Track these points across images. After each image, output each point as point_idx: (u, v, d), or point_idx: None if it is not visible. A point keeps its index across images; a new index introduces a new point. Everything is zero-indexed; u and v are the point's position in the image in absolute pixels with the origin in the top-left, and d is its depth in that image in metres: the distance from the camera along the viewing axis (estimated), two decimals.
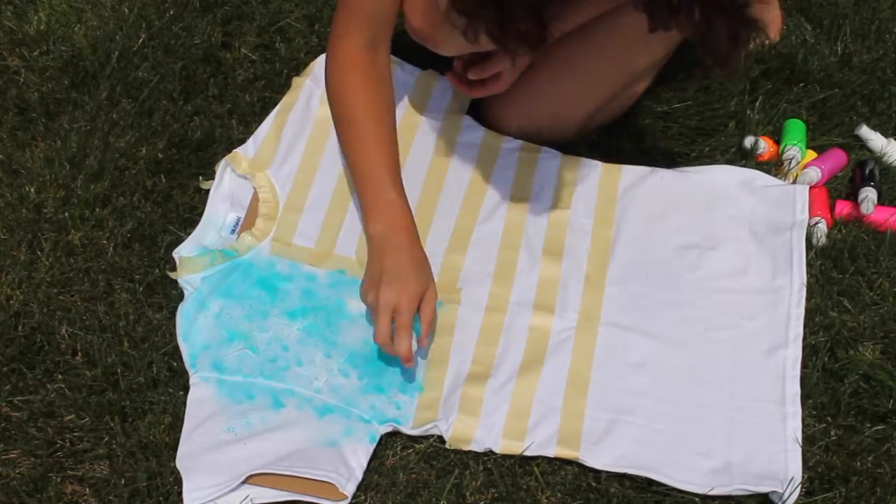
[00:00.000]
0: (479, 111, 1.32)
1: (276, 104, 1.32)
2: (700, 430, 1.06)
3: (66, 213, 1.19)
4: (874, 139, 1.34)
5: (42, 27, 1.40)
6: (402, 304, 1.06)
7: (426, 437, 1.05)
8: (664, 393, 1.09)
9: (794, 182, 1.28)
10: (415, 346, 1.07)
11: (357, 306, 1.14)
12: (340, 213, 1.22)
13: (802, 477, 1.02)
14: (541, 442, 1.04)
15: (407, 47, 1.41)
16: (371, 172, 1.12)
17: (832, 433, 1.06)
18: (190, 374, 1.07)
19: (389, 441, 1.05)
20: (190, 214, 1.22)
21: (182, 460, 1.01)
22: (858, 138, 1.35)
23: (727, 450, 1.05)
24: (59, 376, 1.07)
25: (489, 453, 1.04)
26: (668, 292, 1.17)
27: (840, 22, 1.48)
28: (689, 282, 1.18)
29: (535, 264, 1.19)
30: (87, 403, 1.04)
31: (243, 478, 0.99)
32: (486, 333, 1.13)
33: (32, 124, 1.30)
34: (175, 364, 1.09)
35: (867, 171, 1.29)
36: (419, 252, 1.11)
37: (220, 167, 1.24)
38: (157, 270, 1.16)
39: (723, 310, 1.15)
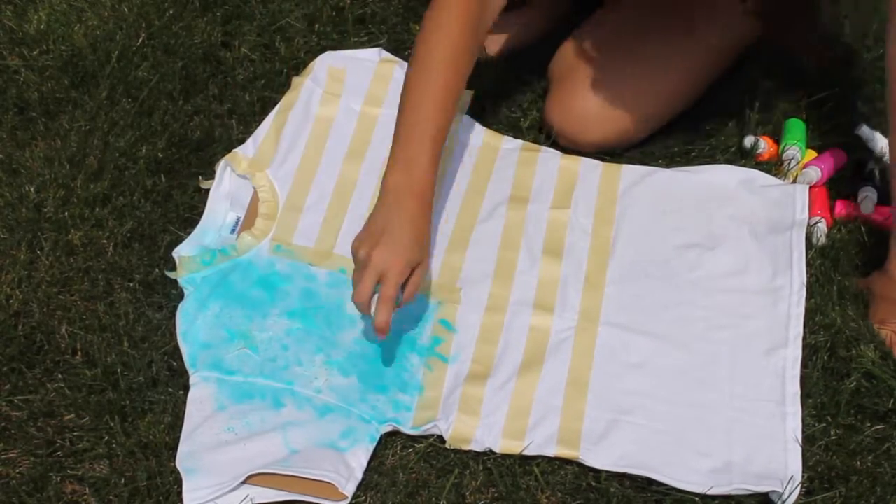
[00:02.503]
0: (546, 114, 1.32)
1: (276, 104, 1.32)
2: (700, 429, 1.06)
3: (66, 213, 1.19)
4: (874, 139, 1.34)
5: (42, 27, 1.40)
6: (392, 271, 1.02)
7: (426, 437, 1.05)
8: (664, 393, 1.09)
9: (794, 182, 1.28)
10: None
11: None
12: (340, 213, 1.22)
13: (802, 476, 1.02)
14: (541, 442, 1.04)
15: (406, 47, 1.41)
16: (417, 127, 1.08)
17: (832, 433, 1.06)
18: (190, 373, 1.07)
19: (389, 441, 1.05)
20: (190, 214, 1.22)
21: (182, 460, 1.01)
22: (858, 138, 1.35)
23: (727, 449, 1.05)
24: (59, 376, 1.07)
25: (489, 453, 1.04)
26: (668, 292, 1.17)
27: (840, 22, 1.48)
28: (689, 281, 1.18)
29: (535, 264, 1.19)
30: (87, 403, 1.04)
31: (243, 478, 0.99)
32: (486, 333, 1.13)
33: (32, 124, 1.30)
34: (175, 364, 1.09)
35: (867, 171, 1.29)
36: (427, 224, 1.07)
37: (220, 167, 1.24)
38: (156, 270, 1.16)
39: (723, 309, 1.15)
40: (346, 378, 1.09)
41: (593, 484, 1.02)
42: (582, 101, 1.28)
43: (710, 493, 1.01)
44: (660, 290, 1.17)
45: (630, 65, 1.28)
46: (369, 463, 1.02)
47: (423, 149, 1.07)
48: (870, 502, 1.02)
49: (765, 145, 1.32)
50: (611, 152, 1.31)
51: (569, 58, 1.32)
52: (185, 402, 1.05)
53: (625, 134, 1.29)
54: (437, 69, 1.09)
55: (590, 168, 1.28)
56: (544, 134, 1.32)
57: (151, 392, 1.06)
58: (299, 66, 1.36)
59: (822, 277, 1.19)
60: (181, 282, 1.15)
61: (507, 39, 1.42)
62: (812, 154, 1.32)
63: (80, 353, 1.09)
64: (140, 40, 1.38)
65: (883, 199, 1.26)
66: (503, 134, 1.32)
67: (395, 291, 1.03)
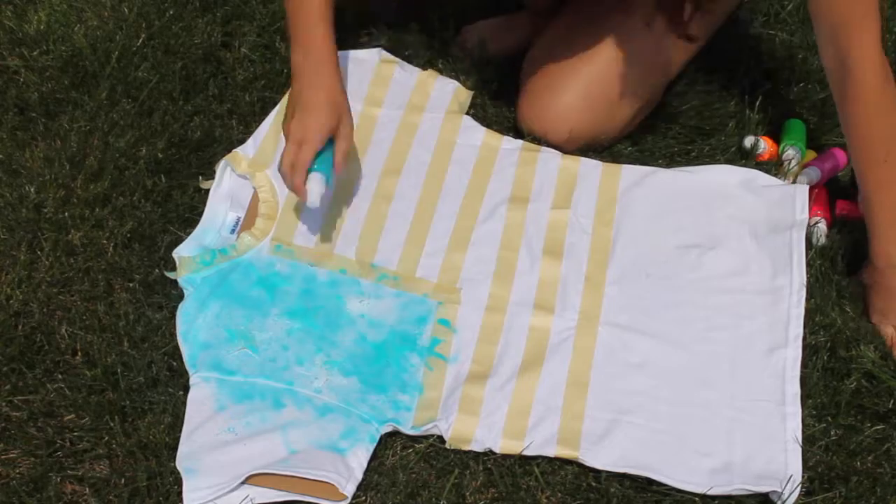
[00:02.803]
0: (519, 118, 1.32)
1: (276, 104, 1.32)
2: (700, 429, 1.06)
3: (66, 213, 1.19)
4: None
5: (42, 27, 1.40)
6: (307, 137, 1.10)
7: (426, 437, 1.05)
8: (664, 393, 1.09)
9: (794, 182, 1.28)
10: (324, 188, 1.12)
11: (357, 306, 1.14)
12: (340, 213, 1.22)
13: (802, 476, 1.02)
14: (541, 442, 1.04)
15: (406, 47, 1.41)
16: (303, 6, 1.14)
17: (832, 433, 1.06)
18: (190, 374, 1.07)
19: (389, 441, 1.05)
20: (190, 214, 1.22)
21: (182, 460, 1.01)
22: None
23: (727, 449, 1.05)
24: (59, 376, 1.07)
25: (489, 453, 1.04)
26: (669, 292, 1.17)
27: None
28: (690, 281, 1.18)
29: (535, 264, 1.19)
30: (87, 403, 1.04)
31: (243, 478, 0.99)
32: (486, 333, 1.13)
33: (32, 124, 1.30)
34: (175, 364, 1.09)
35: None
36: (336, 87, 1.14)
37: (220, 167, 1.24)
38: (156, 270, 1.16)
39: (723, 310, 1.15)
40: (347, 378, 1.09)
41: (593, 484, 1.02)
42: (547, 98, 1.28)
43: (710, 493, 1.01)
44: (660, 290, 1.17)
45: (583, 50, 1.27)
46: (369, 463, 1.02)
47: (315, 26, 1.14)
48: (870, 503, 1.02)
49: (765, 145, 1.32)
50: (604, 150, 1.30)
51: (530, 60, 1.34)
52: (185, 403, 1.05)
53: (595, 123, 1.28)
54: None
55: (590, 168, 1.28)
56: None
57: (151, 392, 1.06)
58: None
59: (822, 277, 1.19)
60: (181, 282, 1.15)
61: (506, 40, 1.42)
62: (812, 154, 1.32)
63: (80, 354, 1.09)
64: (140, 40, 1.38)
65: None
66: (503, 134, 1.32)
67: (308, 155, 1.10)
